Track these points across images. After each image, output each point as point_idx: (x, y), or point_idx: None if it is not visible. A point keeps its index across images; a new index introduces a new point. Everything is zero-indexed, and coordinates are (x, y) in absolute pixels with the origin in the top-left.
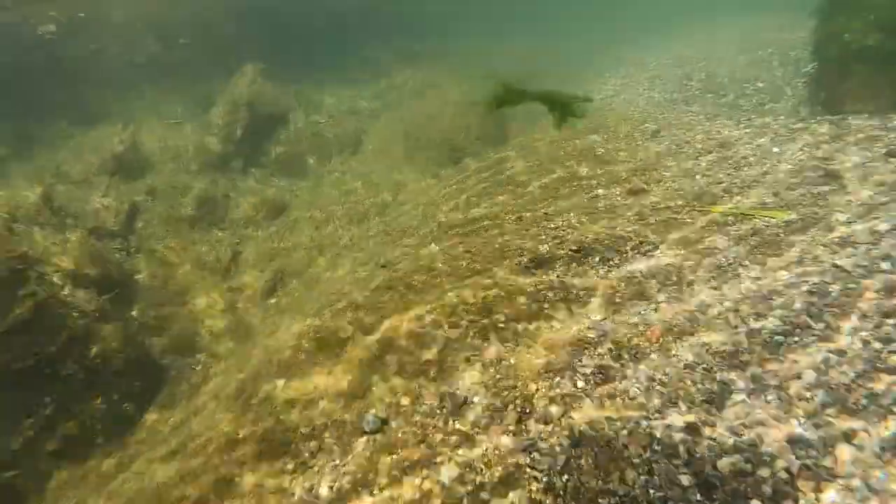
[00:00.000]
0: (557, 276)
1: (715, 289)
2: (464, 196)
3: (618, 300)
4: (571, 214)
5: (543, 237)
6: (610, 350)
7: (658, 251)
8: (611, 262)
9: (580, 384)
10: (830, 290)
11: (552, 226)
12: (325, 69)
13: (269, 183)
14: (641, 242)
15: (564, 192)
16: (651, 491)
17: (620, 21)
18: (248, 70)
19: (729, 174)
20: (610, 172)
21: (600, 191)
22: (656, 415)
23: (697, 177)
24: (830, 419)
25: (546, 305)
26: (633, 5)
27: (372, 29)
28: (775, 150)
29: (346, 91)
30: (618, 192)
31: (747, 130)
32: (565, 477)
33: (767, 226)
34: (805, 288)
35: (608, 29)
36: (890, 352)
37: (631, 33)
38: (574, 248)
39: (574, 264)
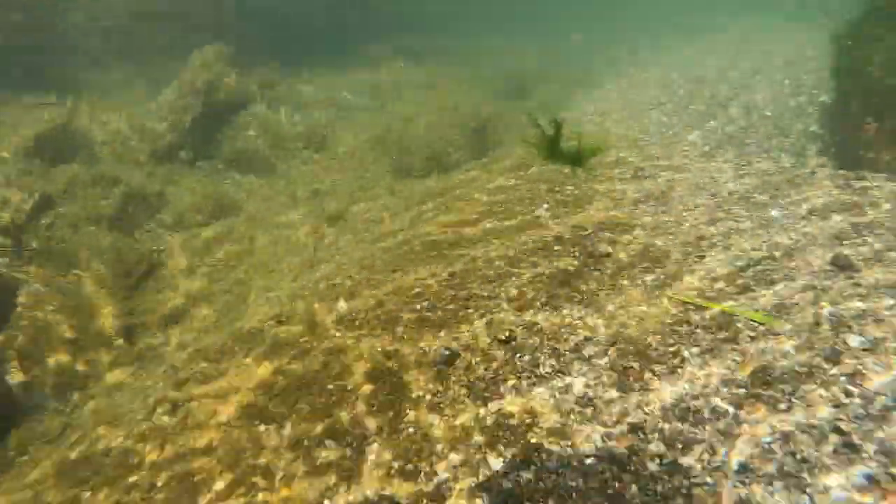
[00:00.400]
0: (466, 382)
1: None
2: (379, 255)
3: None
4: (511, 284)
5: (470, 321)
6: None
7: (598, 356)
8: (539, 371)
9: None
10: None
11: (486, 301)
12: (313, 60)
13: (218, 179)
14: (586, 339)
15: (515, 251)
16: None
17: (620, 21)
18: (208, 51)
19: (713, 243)
20: (574, 224)
21: (556, 247)
22: None
23: (673, 238)
24: None
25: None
26: (633, 5)
27: (371, 27)
28: (774, 213)
29: (329, 81)
30: (575, 252)
31: (745, 181)
32: None
33: (749, 332)
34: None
35: (608, 29)
36: None
37: (631, 33)
38: (503, 336)
39: (494, 367)
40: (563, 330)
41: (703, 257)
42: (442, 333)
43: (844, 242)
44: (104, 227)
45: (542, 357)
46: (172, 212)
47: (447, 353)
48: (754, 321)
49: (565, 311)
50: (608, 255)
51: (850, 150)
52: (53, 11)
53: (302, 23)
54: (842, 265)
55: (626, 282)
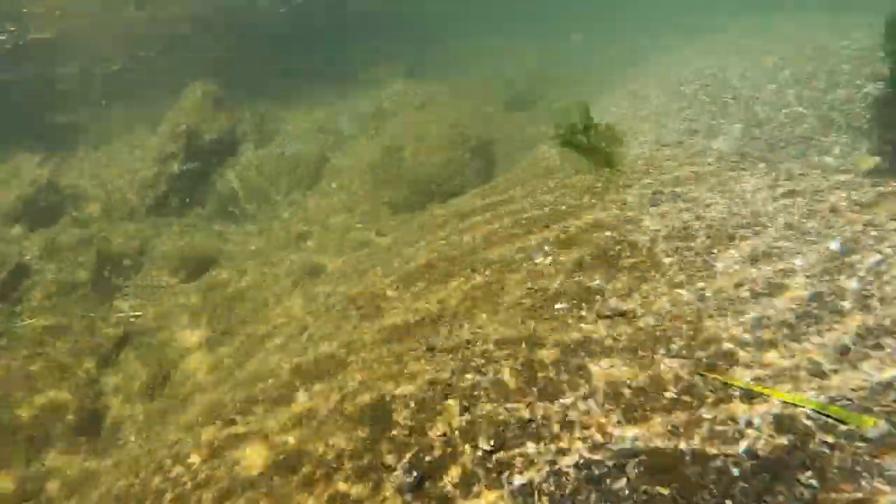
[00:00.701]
0: None
1: None
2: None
3: None
4: (506, 366)
5: (450, 410)
6: None
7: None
8: None
9: None
10: None
11: (475, 369)
12: (304, 83)
13: (204, 229)
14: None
15: (510, 307)
16: None
17: (620, 21)
18: (193, 91)
19: (758, 301)
20: (583, 280)
21: (570, 320)
22: None
23: (708, 301)
24: None
25: None
26: (633, 5)
27: (371, 31)
28: (833, 246)
29: (327, 107)
30: (588, 317)
31: (786, 201)
32: None
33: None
34: None
35: (608, 29)
36: None
37: (631, 33)
38: (488, 447)
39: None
40: None
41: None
42: None
43: None
44: (77, 294)
45: None
46: (144, 277)
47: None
48: (847, 422)
49: None
50: (628, 314)
51: None
52: (52, 62)
53: (300, 47)
54: None
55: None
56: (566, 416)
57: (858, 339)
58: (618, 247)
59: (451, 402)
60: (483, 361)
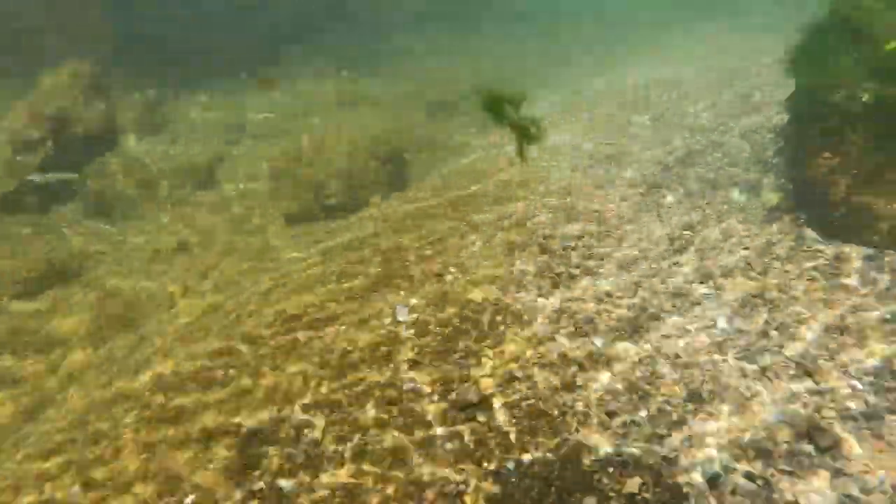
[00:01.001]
0: None
1: None
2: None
3: None
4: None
5: None
6: None
7: None
8: None
9: None
10: None
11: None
12: (217, 68)
13: (69, 230)
14: None
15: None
16: None
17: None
18: (62, 71)
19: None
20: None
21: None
22: None
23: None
24: None
25: None
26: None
27: (312, 17)
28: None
29: (231, 99)
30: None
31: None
32: None
33: None
34: None
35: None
36: None
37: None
38: None
39: None
40: None
41: None
42: None
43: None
44: None
45: None
46: None
47: None
48: None
49: None
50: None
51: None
52: None
53: (222, 26)
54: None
55: None
56: None
57: None
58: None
59: None
60: None
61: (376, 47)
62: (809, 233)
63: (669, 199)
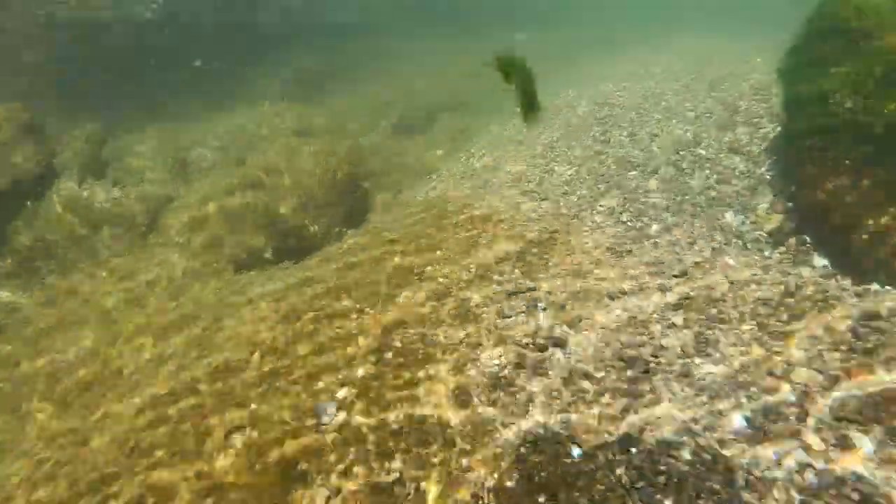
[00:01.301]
0: None
1: None
2: None
3: None
4: None
5: None
6: None
7: None
8: None
9: None
10: None
11: None
12: (164, 102)
13: None
14: None
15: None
16: None
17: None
18: None
19: None
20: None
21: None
22: None
23: None
24: None
25: None
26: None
27: (254, 41)
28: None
29: (186, 130)
30: None
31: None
32: None
33: None
34: None
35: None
36: None
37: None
38: None
39: None
40: None
41: None
42: None
43: None
44: None
45: None
46: None
47: None
48: None
49: None
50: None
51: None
52: None
53: (166, 60)
54: None
55: None
56: None
57: None
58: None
59: None
60: None
61: (336, 64)
62: (821, 262)
63: (655, 228)
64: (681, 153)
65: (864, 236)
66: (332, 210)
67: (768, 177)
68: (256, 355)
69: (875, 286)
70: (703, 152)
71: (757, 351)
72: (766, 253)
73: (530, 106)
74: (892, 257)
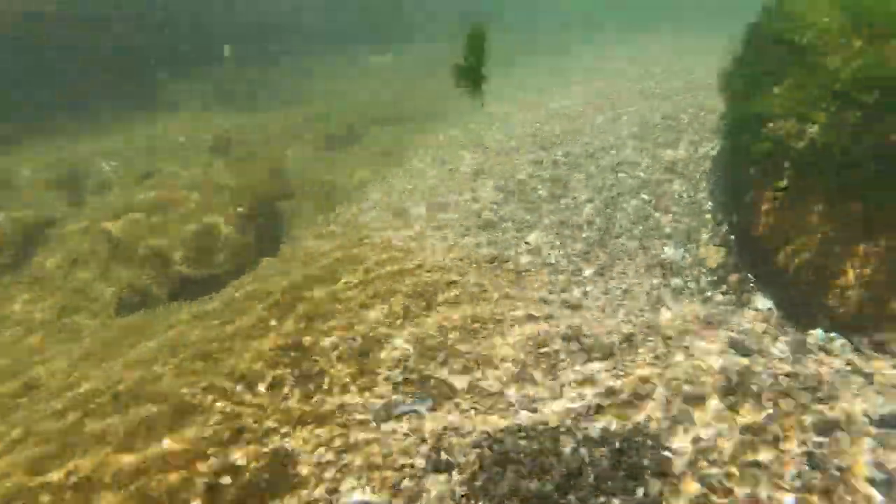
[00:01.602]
0: None
1: None
2: None
3: None
4: None
5: None
6: None
7: None
8: None
9: None
10: None
11: None
12: (63, 111)
13: None
14: None
15: None
16: None
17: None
18: None
19: None
20: None
21: None
22: None
23: None
24: None
25: None
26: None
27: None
28: None
29: (89, 141)
30: None
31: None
32: None
33: None
34: None
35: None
36: None
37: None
38: None
39: None
40: None
41: None
42: None
43: None
44: None
45: None
46: None
47: None
48: None
49: None
50: None
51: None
52: None
53: (73, 65)
54: None
55: None
56: None
57: None
58: None
59: None
60: None
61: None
62: (765, 303)
63: (588, 272)
64: (620, 174)
65: (808, 277)
66: (243, 237)
67: (707, 206)
68: None
69: (818, 332)
70: (642, 174)
71: None
72: (709, 293)
73: (475, 85)
74: (836, 301)
